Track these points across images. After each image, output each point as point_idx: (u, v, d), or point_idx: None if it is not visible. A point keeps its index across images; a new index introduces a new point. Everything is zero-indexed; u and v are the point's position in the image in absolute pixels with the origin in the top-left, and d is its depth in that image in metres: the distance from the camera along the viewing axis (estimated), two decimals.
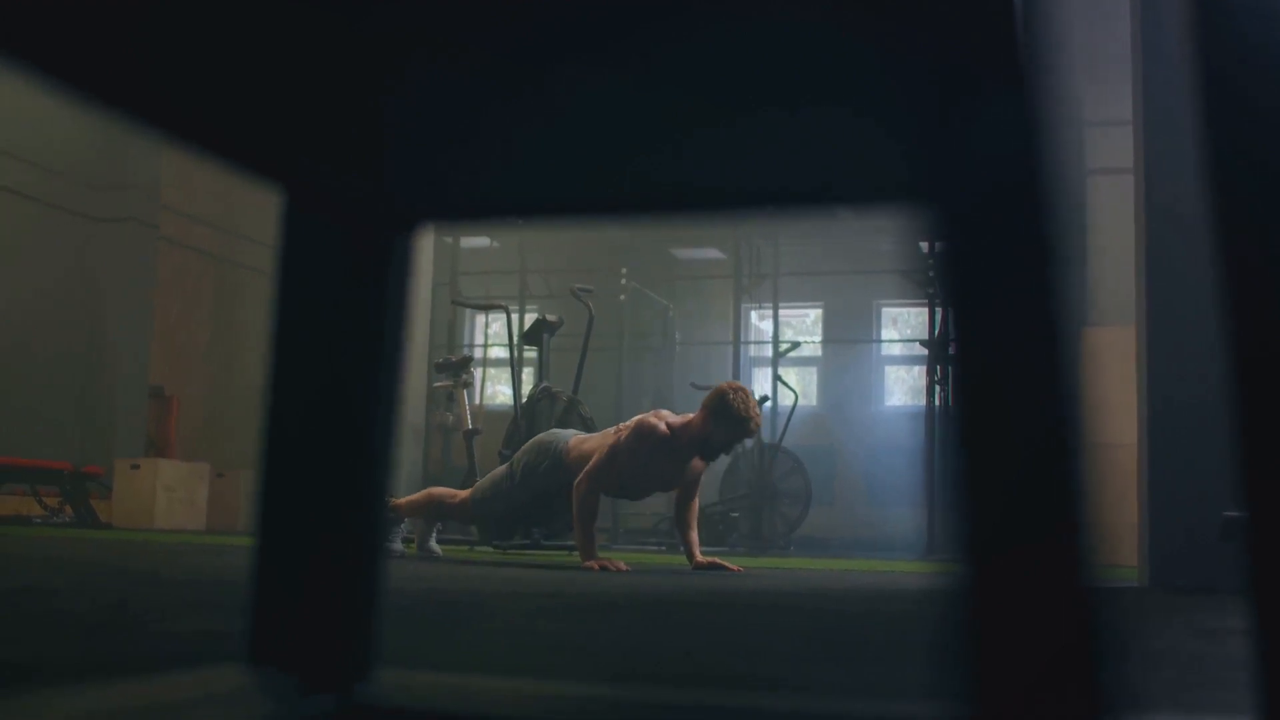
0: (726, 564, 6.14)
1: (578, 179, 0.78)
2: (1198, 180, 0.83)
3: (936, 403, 9.50)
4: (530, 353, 9.33)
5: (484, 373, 17.05)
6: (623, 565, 5.83)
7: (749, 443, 11.95)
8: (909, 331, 17.05)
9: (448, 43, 0.72)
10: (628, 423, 6.12)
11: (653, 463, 5.97)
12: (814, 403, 16.54)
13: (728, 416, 5.81)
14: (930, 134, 0.43)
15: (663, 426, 5.95)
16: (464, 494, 6.62)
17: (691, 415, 6.04)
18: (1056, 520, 0.42)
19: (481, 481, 6.60)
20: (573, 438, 6.32)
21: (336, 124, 0.83)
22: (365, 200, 0.93)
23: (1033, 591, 0.42)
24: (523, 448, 6.50)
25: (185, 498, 12.37)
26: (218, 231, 14.94)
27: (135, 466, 12.24)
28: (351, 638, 0.91)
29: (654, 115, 0.67)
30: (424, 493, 6.87)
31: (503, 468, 6.51)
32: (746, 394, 5.89)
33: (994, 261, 0.43)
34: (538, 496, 6.25)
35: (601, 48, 0.66)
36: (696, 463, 6.09)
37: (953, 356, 0.42)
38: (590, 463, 5.96)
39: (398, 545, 6.75)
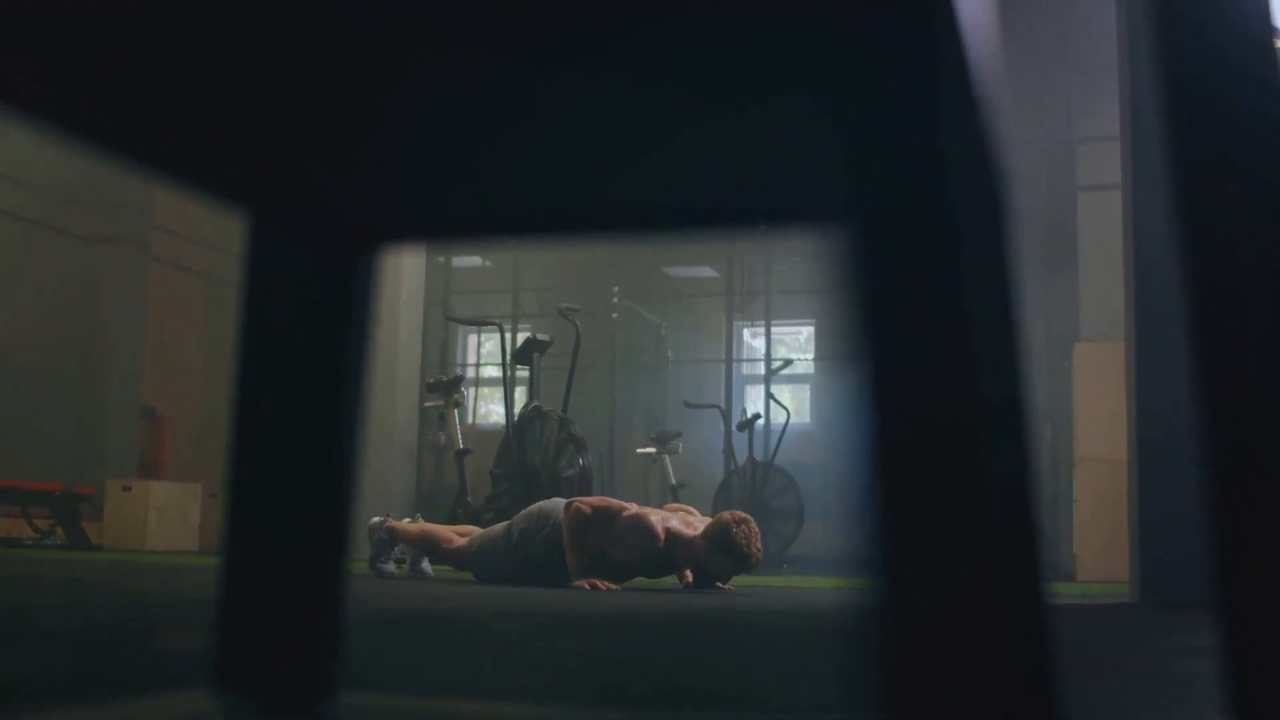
0: (719, 582, 6.12)
1: (531, 200, 0.78)
2: (1169, 201, 0.83)
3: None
4: (523, 372, 9.33)
5: (476, 392, 17.04)
6: (613, 584, 5.82)
7: (741, 460, 11.95)
8: None
9: (412, 67, 0.72)
10: (631, 507, 6.07)
11: (640, 554, 5.92)
12: (807, 420, 16.53)
13: (728, 550, 5.69)
14: (849, 152, 0.43)
15: (659, 533, 5.84)
16: (459, 540, 6.54)
17: (695, 527, 5.96)
18: (977, 539, 0.41)
19: (479, 536, 6.52)
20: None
21: (301, 147, 0.83)
22: (329, 221, 0.92)
23: (950, 609, 0.42)
24: (522, 513, 6.45)
25: (177, 518, 12.32)
26: (211, 251, 14.93)
27: (127, 488, 12.19)
28: (315, 661, 0.91)
29: (601, 139, 0.67)
30: (419, 527, 6.80)
31: (500, 526, 6.47)
32: (750, 525, 5.74)
33: (913, 280, 0.43)
34: (532, 560, 6.19)
35: (557, 73, 0.66)
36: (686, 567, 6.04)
37: (863, 375, 0.42)
38: (586, 497, 5.96)
39: (390, 566, 6.73)
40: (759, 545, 5.78)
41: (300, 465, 0.93)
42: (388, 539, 6.67)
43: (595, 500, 6.05)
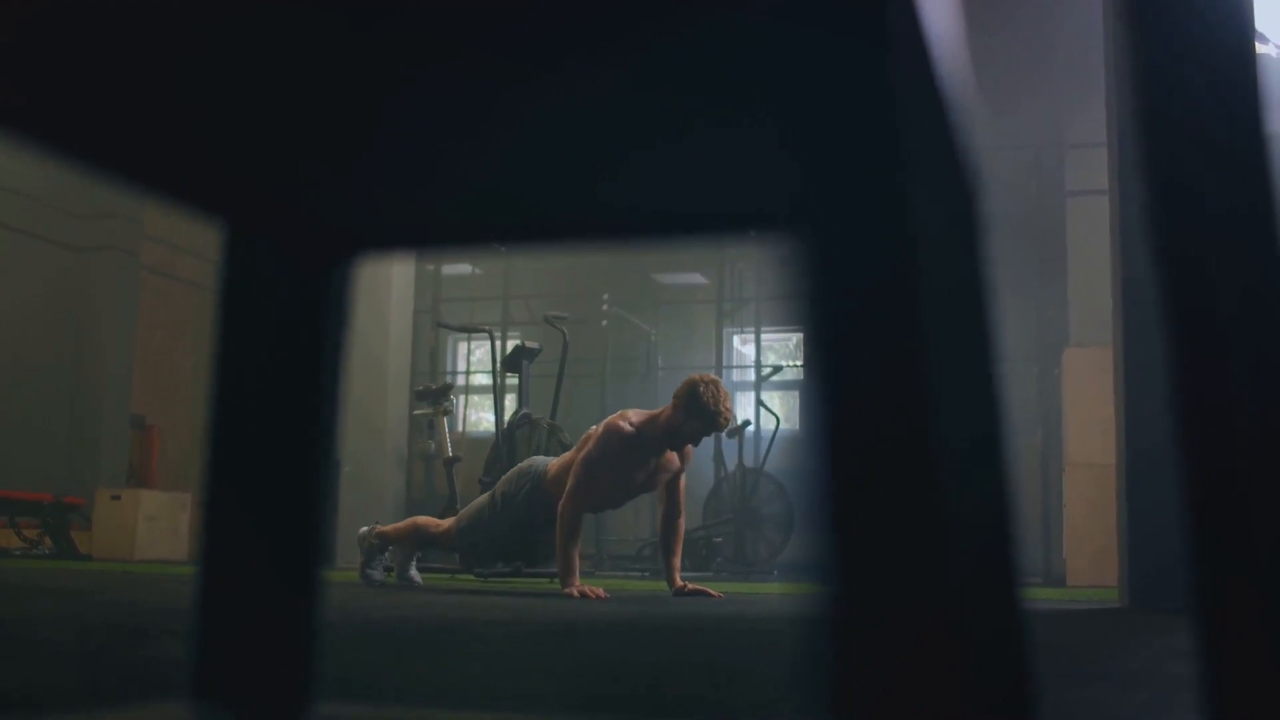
0: (708, 590, 6.11)
1: (506, 207, 0.78)
2: (1146, 223, 0.83)
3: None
4: (513, 379, 9.32)
5: (466, 399, 17.02)
6: (602, 593, 5.80)
7: (730, 466, 11.94)
8: None
9: (387, 76, 0.72)
10: (595, 428, 6.08)
11: (625, 464, 5.92)
12: (797, 426, 16.52)
13: (698, 409, 5.72)
14: (802, 159, 0.43)
15: (627, 426, 5.88)
16: (447, 523, 6.58)
17: (659, 409, 6.00)
18: (943, 546, 0.41)
19: (464, 510, 6.57)
20: (551, 461, 6.30)
21: (274, 156, 0.83)
22: (306, 231, 0.92)
23: (919, 617, 0.42)
24: (504, 476, 6.49)
25: (167, 528, 12.29)
26: (201, 260, 14.91)
27: (116, 497, 12.16)
28: (293, 670, 0.90)
29: (571, 148, 0.67)
30: (408, 521, 6.83)
31: (485, 496, 6.48)
32: (718, 385, 5.78)
33: (859, 289, 0.42)
34: (518, 524, 6.23)
35: (532, 83, 0.66)
36: (671, 458, 6.03)
37: (814, 381, 0.42)
38: (569, 484, 5.93)
39: (379, 574, 6.72)
40: (728, 405, 5.79)
41: (277, 475, 0.93)
42: (377, 544, 6.67)
43: (573, 485, 5.99)
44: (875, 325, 0.41)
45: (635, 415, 6.03)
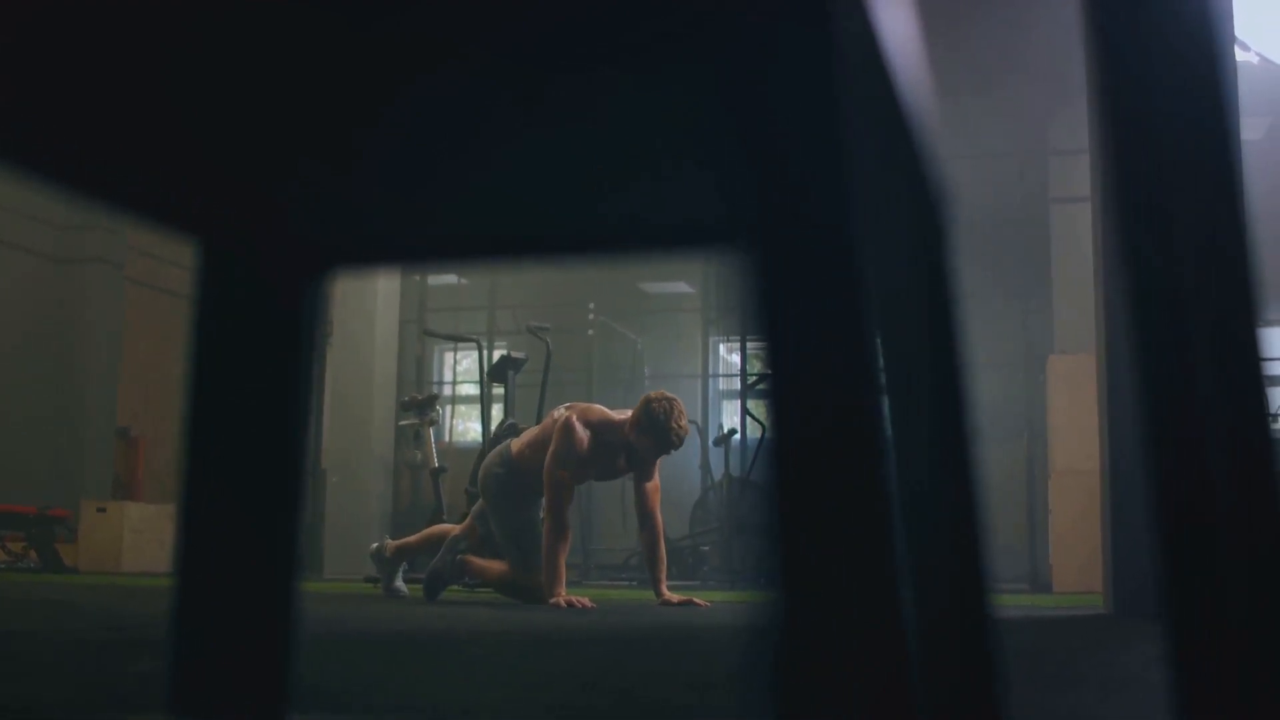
0: (695, 599, 6.10)
1: (475, 225, 0.78)
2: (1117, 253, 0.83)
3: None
4: (499, 389, 9.31)
5: (453, 409, 16.99)
6: (588, 602, 5.79)
7: (717, 475, 11.94)
8: None
9: (354, 95, 0.72)
10: (560, 410, 6.06)
11: (590, 461, 5.94)
12: None
13: (651, 426, 5.70)
14: (747, 175, 0.44)
15: (581, 430, 5.87)
16: (500, 566, 6.27)
17: (625, 414, 5.99)
18: (868, 559, 0.42)
19: (502, 546, 6.26)
20: (514, 441, 6.29)
21: (247, 173, 0.83)
22: (279, 245, 0.92)
23: (851, 624, 0.42)
24: (482, 472, 6.40)
25: (153, 539, 12.25)
26: (186, 271, 14.87)
27: (102, 509, 12.12)
28: (270, 683, 0.91)
29: (526, 166, 0.68)
30: (503, 566, 6.32)
31: (477, 524, 6.38)
32: (672, 403, 5.72)
33: (807, 301, 0.43)
34: (526, 496, 6.14)
35: (498, 101, 0.66)
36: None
37: (767, 393, 0.42)
38: (546, 495, 5.90)
39: (405, 587, 6.71)
40: (682, 423, 5.71)
41: (251, 488, 0.93)
42: (460, 565, 6.38)
43: (530, 451, 6.01)
44: (826, 336, 0.42)
45: (597, 415, 5.99)
